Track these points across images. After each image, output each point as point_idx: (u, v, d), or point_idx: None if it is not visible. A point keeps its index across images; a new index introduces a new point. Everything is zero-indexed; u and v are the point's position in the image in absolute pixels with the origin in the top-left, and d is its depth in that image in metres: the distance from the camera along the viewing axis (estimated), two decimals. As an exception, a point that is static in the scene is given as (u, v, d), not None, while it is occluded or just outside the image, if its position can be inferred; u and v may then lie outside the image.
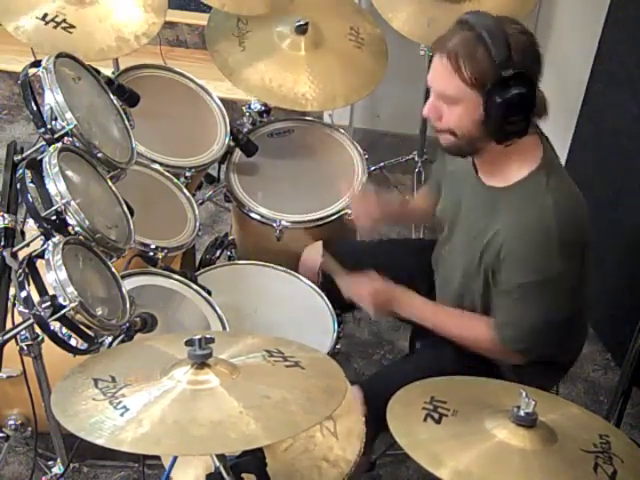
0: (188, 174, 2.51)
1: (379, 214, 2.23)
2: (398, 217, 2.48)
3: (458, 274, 2.00)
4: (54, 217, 1.67)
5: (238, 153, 2.65)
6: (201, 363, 1.41)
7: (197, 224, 2.43)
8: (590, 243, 1.90)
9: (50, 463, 2.12)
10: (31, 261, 1.64)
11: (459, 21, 1.76)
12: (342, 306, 2.26)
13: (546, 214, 1.78)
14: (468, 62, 1.71)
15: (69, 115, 1.79)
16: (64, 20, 2.43)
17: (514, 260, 1.84)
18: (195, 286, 2.16)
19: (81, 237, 1.70)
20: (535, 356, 1.96)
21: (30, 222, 1.79)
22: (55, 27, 2.41)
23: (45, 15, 2.42)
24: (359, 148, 2.70)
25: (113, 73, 2.66)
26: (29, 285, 1.61)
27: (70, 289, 1.57)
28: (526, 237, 1.81)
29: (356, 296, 2.06)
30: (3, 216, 1.76)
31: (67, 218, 1.67)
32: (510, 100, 1.71)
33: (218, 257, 2.58)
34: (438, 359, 2.01)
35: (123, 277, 1.89)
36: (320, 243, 2.39)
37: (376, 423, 1.76)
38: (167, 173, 2.48)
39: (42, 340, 1.75)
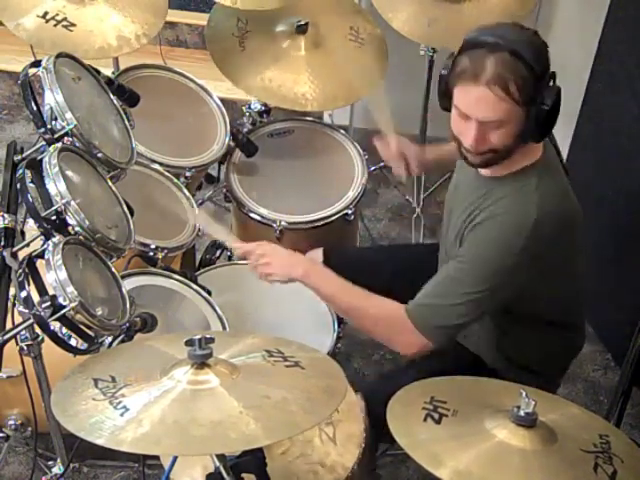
0: (188, 174, 2.51)
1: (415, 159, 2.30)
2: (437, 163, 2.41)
3: None
4: (54, 217, 1.67)
5: (238, 153, 2.65)
6: (201, 363, 1.41)
7: (197, 224, 2.43)
8: (578, 250, 1.89)
9: (50, 463, 2.12)
10: (31, 261, 1.64)
11: (478, 43, 1.70)
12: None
13: (529, 209, 1.76)
14: (516, 83, 1.68)
15: (69, 115, 1.79)
16: (65, 19, 2.43)
17: (476, 237, 1.82)
18: (195, 286, 2.16)
19: (81, 237, 1.70)
20: (437, 345, 1.88)
21: (30, 222, 1.80)
22: (55, 25, 2.40)
23: (46, 13, 2.42)
24: (359, 148, 2.70)
25: (113, 73, 2.65)
26: (29, 285, 1.61)
27: (70, 289, 1.57)
28: (501, 222, 1.78)
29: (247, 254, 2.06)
30: (3, 216, 1.76)
31: (67, 218, 1.68)
32: (554, 106, 1.71)
33: (218, 257, 2.57)
34: (441, 364, 2.00)
35: (123, 277, 1.89)
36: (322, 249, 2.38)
37: (377, 432, 1.76)
38: (167, 173, 2.48)
39: (42, 340, 1.76)
